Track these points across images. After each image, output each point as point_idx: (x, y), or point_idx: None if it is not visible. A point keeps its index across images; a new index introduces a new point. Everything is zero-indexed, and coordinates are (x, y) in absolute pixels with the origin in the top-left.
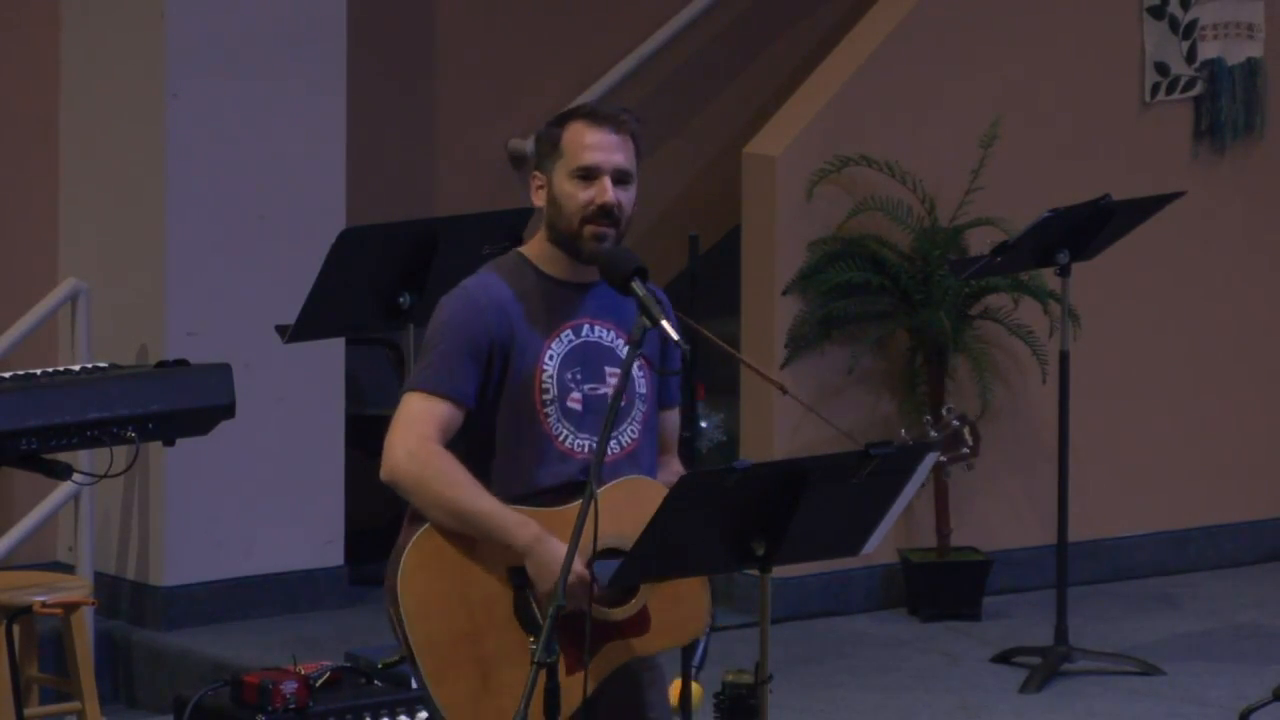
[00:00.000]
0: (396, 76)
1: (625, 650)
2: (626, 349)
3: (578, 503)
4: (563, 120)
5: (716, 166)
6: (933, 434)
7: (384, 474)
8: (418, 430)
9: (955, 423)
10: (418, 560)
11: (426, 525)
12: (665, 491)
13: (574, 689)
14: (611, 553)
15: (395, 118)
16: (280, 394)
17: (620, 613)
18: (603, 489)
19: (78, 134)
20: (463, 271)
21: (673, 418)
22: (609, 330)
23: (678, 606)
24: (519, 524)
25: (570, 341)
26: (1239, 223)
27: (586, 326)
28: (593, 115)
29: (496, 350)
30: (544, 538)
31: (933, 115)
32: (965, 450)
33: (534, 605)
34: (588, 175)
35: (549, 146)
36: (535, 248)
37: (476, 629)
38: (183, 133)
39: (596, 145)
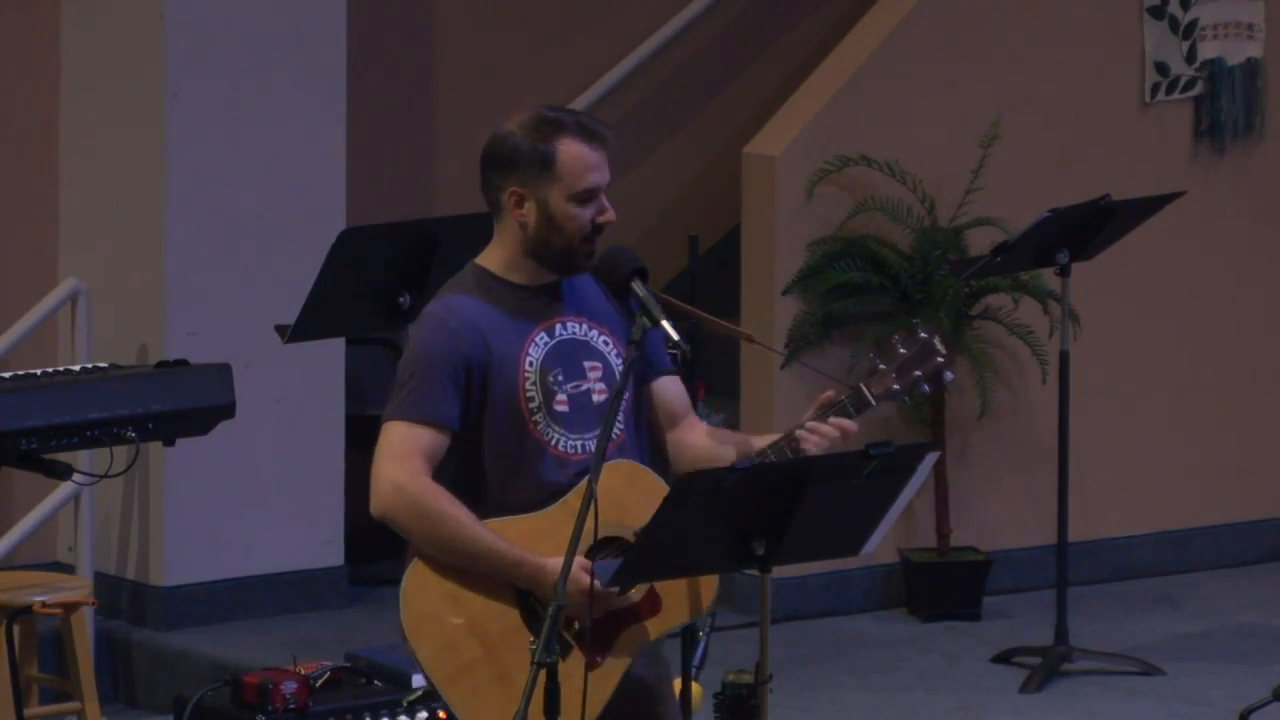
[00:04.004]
0: (397, 76)
1: (645, 631)
2: (603, 341)
3: (563, 501)
4: (548, 134)
5: (716, 166)
6: (901, 350)
7: (374, 510)
8: (405, 464)
9: (923, 335)
10: (416, 593)
11: (415, 560)
12: (659, 478)
13: (598, 685)
14: (610, 541)
15: (395, 118)
16: (280, 394)
17: (636, 593)
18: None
19: (78, 134)
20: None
21: (673, 383)
22: (581, 324)
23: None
24: (516, 564)
25: (546, 344)
26: (1239, 223)
27: (559, 325)
28: (586, 133)
29: (475, 370)
30: (542, 569)
31: (933, 115)
32: (940, 360)
33: (540, 610)
34: (589, 197)
35: (537, 163)
36: (496, 258)
37: (490, 649)
38: (183, 133)
39: (596, 166)
